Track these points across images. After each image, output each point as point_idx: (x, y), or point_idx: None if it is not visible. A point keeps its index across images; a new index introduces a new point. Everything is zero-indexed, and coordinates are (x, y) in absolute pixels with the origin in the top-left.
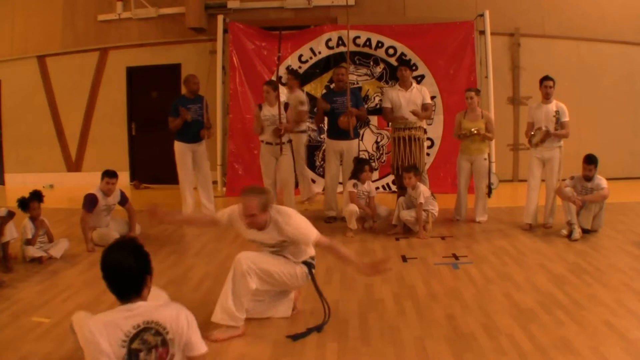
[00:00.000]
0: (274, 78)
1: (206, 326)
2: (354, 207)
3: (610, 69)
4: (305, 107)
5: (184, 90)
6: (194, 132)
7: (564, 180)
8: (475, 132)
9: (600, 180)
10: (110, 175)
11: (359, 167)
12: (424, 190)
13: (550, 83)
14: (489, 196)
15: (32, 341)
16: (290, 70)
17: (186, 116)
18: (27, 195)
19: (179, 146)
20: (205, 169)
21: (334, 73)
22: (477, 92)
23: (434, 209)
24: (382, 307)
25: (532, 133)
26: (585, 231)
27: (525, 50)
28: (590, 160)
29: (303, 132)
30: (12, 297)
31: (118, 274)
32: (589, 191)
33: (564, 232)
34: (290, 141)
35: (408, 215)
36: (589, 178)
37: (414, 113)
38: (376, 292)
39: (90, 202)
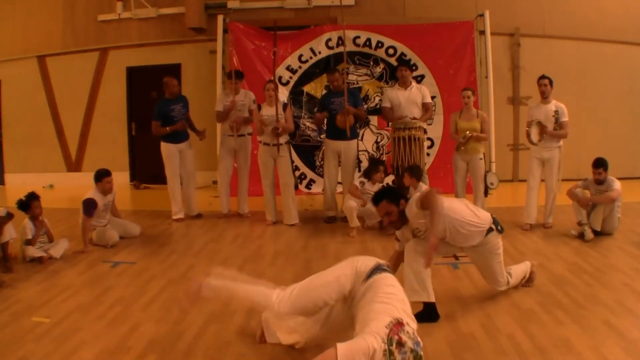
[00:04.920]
0: (272, 77)
1: (207, 326)
2: (352, 203)
3: (610, 69)
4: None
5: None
6: (180, 132)
7: (577, 181)
8: (469, 134)
9: (613, 182)
10: (108, 173)
11: (374, 167)
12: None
13: (546, 82)
14: (485, 195)
15: (32, 341)
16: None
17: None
18: (23, 197)
19: (166, 147)
20: (191, 169)
21: (328, 79)
22: (473, 92)
23: None
24: None
25: (527, 129)
26: (596, 233)
27: (525, 50)
28: (597, 164)
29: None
30: (12, 297)
31: None
32: (602, 193)
33: (574, 232)
34: (288, 142)
35: None
36: (600, 182)
37: (414, 120)
38: None
39: (91, 207)
